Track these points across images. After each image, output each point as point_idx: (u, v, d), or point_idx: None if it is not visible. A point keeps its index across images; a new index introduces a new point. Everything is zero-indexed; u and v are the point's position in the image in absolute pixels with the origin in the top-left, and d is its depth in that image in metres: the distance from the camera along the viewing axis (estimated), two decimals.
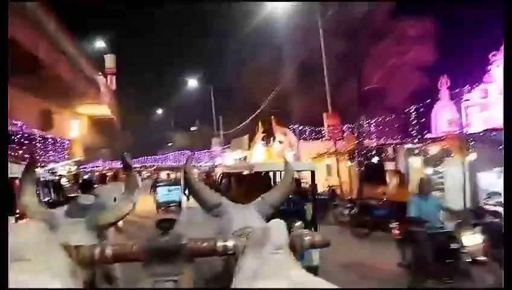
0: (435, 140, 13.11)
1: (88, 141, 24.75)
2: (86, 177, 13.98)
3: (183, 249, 1.44)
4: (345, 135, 13.87)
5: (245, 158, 28.57)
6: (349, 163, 14.32)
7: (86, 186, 5.47)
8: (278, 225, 1.33)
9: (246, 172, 7.58)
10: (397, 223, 5.97)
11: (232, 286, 1.21)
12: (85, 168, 26.88)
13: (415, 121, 15.58)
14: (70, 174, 19.43)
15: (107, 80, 24.97)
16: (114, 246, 1.42)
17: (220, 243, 1.43)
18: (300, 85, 24.09)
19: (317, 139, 18.68)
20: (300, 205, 7.00)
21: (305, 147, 17.27)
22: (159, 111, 54.30)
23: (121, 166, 1.89)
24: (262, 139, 22.90)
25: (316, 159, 17.29)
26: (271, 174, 8.17)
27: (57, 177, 11.06)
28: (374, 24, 21.11)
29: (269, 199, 1.71)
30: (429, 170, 13.08)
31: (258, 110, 24.10)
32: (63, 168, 20.29)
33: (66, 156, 19.88)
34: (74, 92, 15.44)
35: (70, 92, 15.21)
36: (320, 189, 13.31)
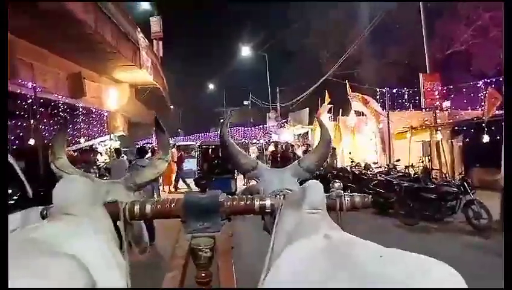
0: None
1: (132, 114, 22.30)
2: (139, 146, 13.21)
3: (221, 207, 1.46)
4: (487, 93, 9.52)
5: (306, 134, 25.10)
6: (486, 137, 10.03)
7: (142, 153, 7.35)
8: (314, 185, 1.26)
9: None
10: None
11: (271, 246, 1.18)
12: (136, 144, 24.95)
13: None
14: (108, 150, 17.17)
15: (152, 45, 22.22)
16: (154, 202, 1.48)
17: (257, 202, 1.46)
18: (379, 45, 19.89)
19: (411, 108, 14.44)
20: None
21: (396, 118, 13.14)
22: (210, 85, 51.24)
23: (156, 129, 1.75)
24: (329, 112, 18.90)
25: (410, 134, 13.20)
26: None
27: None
28: None
29: (304, 163, 1.62)
30: None
31: (325, 77, 20.11)
32: (102, 145, 17.94)
33: (105, 131, 17.45)
34: (107, 51, 12.46)
35: (102, 50, 12.28)
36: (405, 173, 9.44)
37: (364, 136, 15.13)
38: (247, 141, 34.10)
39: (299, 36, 27.09)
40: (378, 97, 13.59)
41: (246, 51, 34.49)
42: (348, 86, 15.17)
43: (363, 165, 11.70)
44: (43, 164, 9.71)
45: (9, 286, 0.75)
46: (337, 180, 1.50)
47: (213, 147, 12.09)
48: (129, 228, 1.44)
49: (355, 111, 15.17)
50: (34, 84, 9.83)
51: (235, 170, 9.59)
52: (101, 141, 17.97)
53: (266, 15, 37.99)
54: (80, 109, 13.77)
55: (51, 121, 11.58)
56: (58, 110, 11.81)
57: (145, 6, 24.43)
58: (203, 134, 42.43)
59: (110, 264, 1.06)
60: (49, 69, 11.89)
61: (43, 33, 9.79)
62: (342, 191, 1.45)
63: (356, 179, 10.33)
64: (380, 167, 10.97)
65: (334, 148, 12.40)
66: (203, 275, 1.48)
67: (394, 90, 13.55)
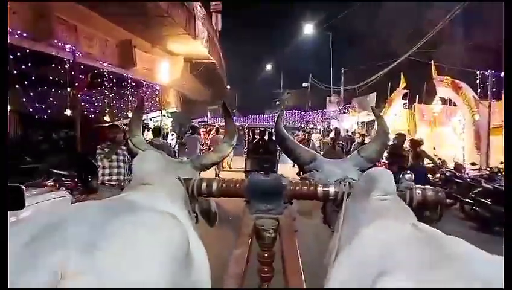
0: None
1: (186, 90, 21.23)
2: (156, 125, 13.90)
3: (284, 190, 1.47)
4: None
5: (372, 122, 22.71)
6: None
7: (157, 132, 7.61)
8: (384, 172, 1.24)
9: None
10: None
11: (339, 230, 1.16)
12: (192, 122, 24.14)
13: None
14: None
15: (211, 18, 20.90)
16: (220, 182, 1.55)
17: (320, 188, 1.46)
18: (463, 25, 17.00)
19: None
20: None
21: (496, 109, 10.60)
22: (268, 65, 49.31)
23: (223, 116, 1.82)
24: (404, 98, 16.47)
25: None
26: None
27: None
28: None
29: (365, 153, 1.60)
30: None
31: (404, 56, 17.59)
32: (154, 121, 17.04)
33: (157, 106, 16.47)
34: (158, 15, 11.15)
35: (153, 14, 11.00)
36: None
37: (448, 129, 12.70)
38: (303, 126, 32.24)
39: (368, 13, 24.44)
40: (478, 82, 11.03)
41: (308, 29, 32.11)
42: (433, 67, 12.72)
43: (450, 165, 9.50)
44: (81, 136, 8.77)
45: (118, 235, 0.82)
46: (408, 171, 1.74)
47: (260, 129, 12.76)
48: (197, 203, 1.53)
49: (440, 98, 12.74)
50: (74, 48, 8.73)
51: (277, 151, 10.15)
52: (152, 117, 17.08)
53: None
54: (129, 81, 12.74)
55: (94, 91, 10.59)
56: (103, 79, 10.79)
57: None
58: (257, 116, 40.95)
59: (188, 230, 1.10)
60: (97, 34, 10.85)
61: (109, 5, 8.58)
62: (413, 183, 1.37)
63: (446, 182, 8.24)
64: (480, 169, 8.71)
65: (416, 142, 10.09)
66: (266, 255, 1.52)
67: (501, 74, 10.91)
